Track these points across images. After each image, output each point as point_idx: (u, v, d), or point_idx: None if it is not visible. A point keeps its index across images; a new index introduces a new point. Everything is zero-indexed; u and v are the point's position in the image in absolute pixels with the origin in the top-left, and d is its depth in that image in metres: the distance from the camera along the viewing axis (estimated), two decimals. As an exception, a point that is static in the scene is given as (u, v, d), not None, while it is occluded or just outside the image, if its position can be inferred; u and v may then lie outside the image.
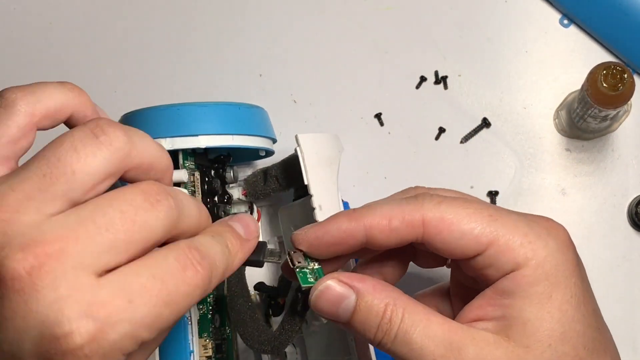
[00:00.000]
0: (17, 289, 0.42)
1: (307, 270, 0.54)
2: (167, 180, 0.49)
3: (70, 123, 0.50)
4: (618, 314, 0.70)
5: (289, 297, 0.67)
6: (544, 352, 0.50)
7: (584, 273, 0.53)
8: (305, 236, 0.54)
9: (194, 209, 0.48)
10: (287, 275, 0.55)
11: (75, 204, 0.44)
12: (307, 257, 0.54)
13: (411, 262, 0.58)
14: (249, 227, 0.51)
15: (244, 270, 0.62)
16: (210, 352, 0.62)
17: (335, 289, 0.52)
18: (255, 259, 0.53)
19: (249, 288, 0.70)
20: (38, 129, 0.48)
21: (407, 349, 0.50)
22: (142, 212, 0.44)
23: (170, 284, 0.44)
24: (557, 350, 0.50)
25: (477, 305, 0.52)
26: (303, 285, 0.53)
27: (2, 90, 0.49)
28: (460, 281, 0.58)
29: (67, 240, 0.42)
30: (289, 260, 0.53)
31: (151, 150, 0.48)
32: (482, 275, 0.52)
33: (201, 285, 0.45)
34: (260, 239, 0.53)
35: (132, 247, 0.44)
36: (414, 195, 0.54)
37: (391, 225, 0.52)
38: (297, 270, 0.53)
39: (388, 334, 0.51)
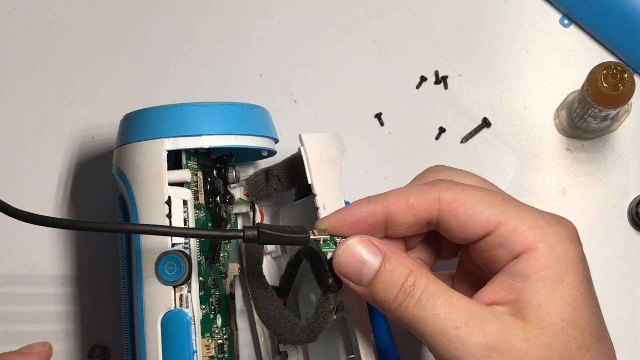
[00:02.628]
0: None
1: (330, 243, 0.56)
2: None
3: None
4: (618, 314, 0.70)
5: (290, 297, 0.67)
6: (556, 335, 0.52)
7: (587, 265, 0.55)
8: (327, 219, 0.56)
9: None
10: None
11: None
12: (332, 237, 0.56)
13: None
14: (31, 347, 0.63)
15: (262, 269, 0.62)
16: (212, 352, 0.62)
17: (363, 246, 0.54)
18: (304, 237, 0.56)
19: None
20: None
21: (429, 313, 0.52)
22: None
23: None
24: (568, 335, 0.52)
25: (490, 290, 0.54)
26: (323, 249, 0.56)
27: None
28: (467, 270, 0.59)
29: None
30: (310, 233, 0.56)
31: None
32: (492, 257, 0.54)
33: None
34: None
35: None
36: (431, 180, 0.57)
37: (408, 202, 0.55)
38: (320, 239, 0.56)
39: (411, 296, 0.52)
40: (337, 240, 0.56)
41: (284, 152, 0.67)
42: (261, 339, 0.70)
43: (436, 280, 0.53)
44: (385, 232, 0.56)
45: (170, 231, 0.58)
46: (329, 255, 0.56)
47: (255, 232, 0.55)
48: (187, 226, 0.61)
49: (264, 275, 0.62)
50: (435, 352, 0.52)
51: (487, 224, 0.53)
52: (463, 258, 0.60)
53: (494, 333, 0.51)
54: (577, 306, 0.52)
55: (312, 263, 0.62)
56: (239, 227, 0.70)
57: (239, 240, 0.70)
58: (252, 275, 0.61)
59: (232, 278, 0.69)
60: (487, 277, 0.55)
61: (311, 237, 0.56)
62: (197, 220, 0.63)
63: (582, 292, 0.53)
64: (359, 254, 0.54)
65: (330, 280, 0.56)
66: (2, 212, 0.55)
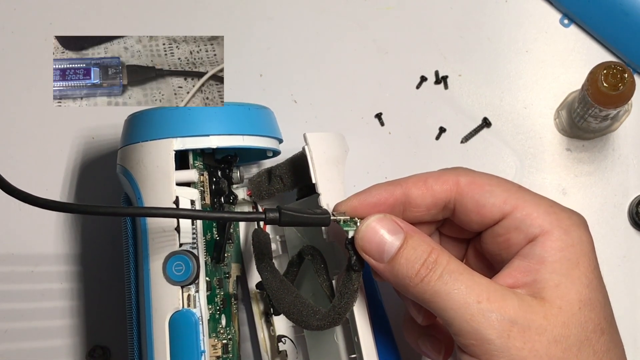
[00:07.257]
0: None
1: (350, 223, 0.57)
2: None
3: None
4: (618, 314, 0.70)
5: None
6: (574, 315, 0.52)
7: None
8: (347, 201, 0.58)
9: None
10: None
11: None
12: (352, 218, 0.57)
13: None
14: None
15: (273, 263, 0.61)
16: (219, 352, 0.62)
17: (385, 224, 0.55)
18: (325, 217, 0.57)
19: (251, 287, 0.70)
20: None
21: (452, 288, 0.53)
22: None
23: None
24: (585, 315, 0.53)
25: (506, 274, 0.54)
26: (345, 228, 0.57)
27: None
28: (477, 260, 0.60)
29: None
30: (331, 214, 0.57)
31: None
32: (507, 241, 0.55)
33: None
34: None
35: None
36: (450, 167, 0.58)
37: (427, 184, 0.57)
38: (340, 220, 0.57)
39: (434, 271, 0.53)
40: (358, 220, 0.57)
41: (284, 152, 0.67)
42: (261, 339, 0.70)
43: (456, 259, 0.54)
44: (403, 215, 0.57)
45: (196, 214, 0.58)
46: (350, 235, 0.57)
47: (277, 214, 0.55)
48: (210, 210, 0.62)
49: (276, 269, 0.61)
50: (456, 327, 0.52)
51: (503, 206, 0.55)
52: (474, 247, 0.61)
53: (515, 308, 0.52)
54: (593, 288, 0.53)
55: (314, 261, 0.62)
56: (242, 228, 0.70)
57: (238, 241, 0.70)
58: (265, 270, 0.61)
59: (235, 278, 0.69)
60: (499, 265, 0.56)
61: (332, 217, 0.57)
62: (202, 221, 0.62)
63: (596, 277, 0.54)
64: (381, 231, 0.55)
65: (353, 259, 0.57)
66: (24, 201, 0.56)
